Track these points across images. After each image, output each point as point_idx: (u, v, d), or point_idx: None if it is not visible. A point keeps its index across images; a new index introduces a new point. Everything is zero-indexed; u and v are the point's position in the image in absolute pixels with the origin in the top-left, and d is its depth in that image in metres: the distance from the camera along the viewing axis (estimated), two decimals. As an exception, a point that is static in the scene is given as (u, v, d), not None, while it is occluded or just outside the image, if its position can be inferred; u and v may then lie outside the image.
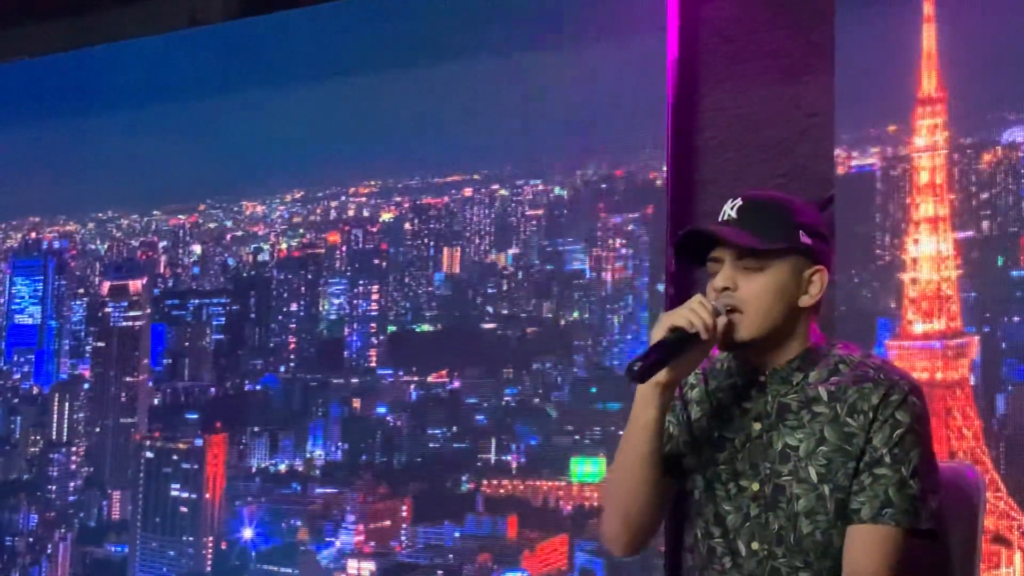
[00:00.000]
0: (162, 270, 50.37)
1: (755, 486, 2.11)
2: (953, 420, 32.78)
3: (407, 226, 50.39)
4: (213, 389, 46.14)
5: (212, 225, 53.03)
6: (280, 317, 47.53)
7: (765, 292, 2.10)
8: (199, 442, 41.34)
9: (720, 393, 2.20)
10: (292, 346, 47.17)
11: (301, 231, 52.23)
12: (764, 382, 2.14)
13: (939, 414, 31.67)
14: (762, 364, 2.14)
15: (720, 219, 2.15)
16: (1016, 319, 37.85)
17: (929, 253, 35.14)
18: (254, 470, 43.40)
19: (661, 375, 2.07)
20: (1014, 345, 37.20)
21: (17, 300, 47.63)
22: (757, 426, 2.12)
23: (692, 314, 2.05)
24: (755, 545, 2.10)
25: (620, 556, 2.29)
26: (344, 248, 50.01)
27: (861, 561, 2.04)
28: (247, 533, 40.75)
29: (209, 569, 40.50)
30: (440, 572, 38.20)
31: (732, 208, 2.13)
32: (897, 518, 2.02)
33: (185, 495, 40.54)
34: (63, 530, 41.46)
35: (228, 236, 52.29)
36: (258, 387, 46.20)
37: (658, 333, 2.07)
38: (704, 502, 2.15)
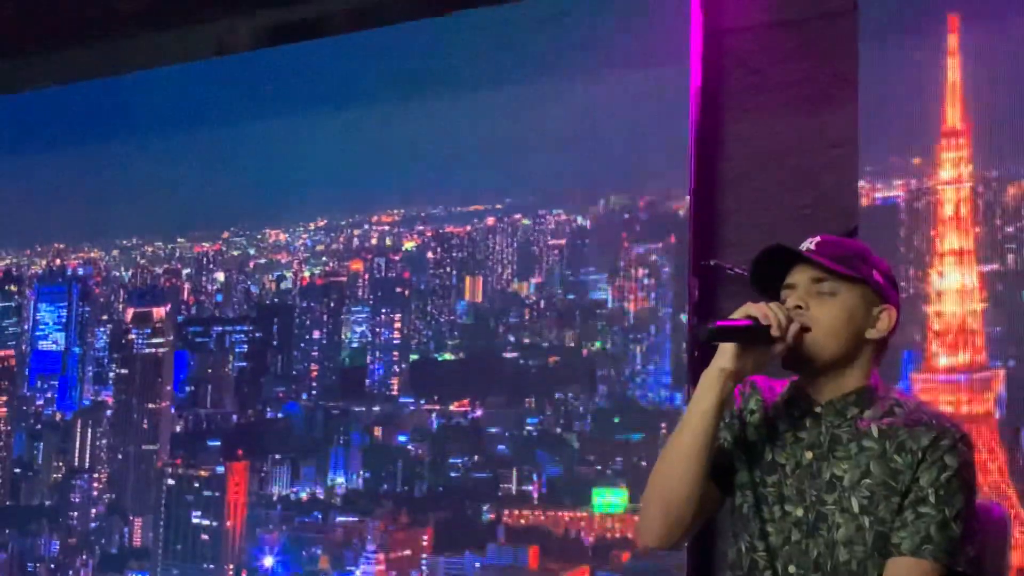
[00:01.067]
0: (186, 297, 50.60)
1: (799, 511, 2.17)
2: (978, 454, 32.40)
3: (430, 255, 50.51)
4: (235, 416, 46.23)
5: (236, 253, 53.28)
6: (302, 345, 47.65)
7: (836, 315, 2.19)
8: (220, 469, 41.41)
9: (778, 421, 2.26)
10: (314, 374, 47.26)
11: (324, 259, 52.40)
12: (820, 413, 2.19)
13: (964, 448, 31.43)
14: (820, 394, 2.20)
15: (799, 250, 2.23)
16: (1041, 353, 37.62)
17: (954, 286, 35.01)
18: (275, 498, 43.39)
19: (726, 361, 2.14)
20: (1039, 379, 36.97)
21: (41, 327, 47.90)
22: (809, 455, 2.19)
23: (769, 310, 2.12)
24: (792, 569, 2.16)
25: (652, 547, 2.32)
26: (367, 276, 50.15)
27: (898, 591, 2.08)
28: (268, 561, 40.73)
29: (229, 597, 40.50)
30: (460, 602, 38.11)
31: (811, 243, 2.23)
32: (936, 554, 2.06)
33: (206, 522, 40.58)
34: (84, 556, 41.54)
35: (251, 264, 52.53)
36: (280, 415, 46.28)
37: (736, 316, 2.14)
38: (751, 519, 2.21)
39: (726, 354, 2.15)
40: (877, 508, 2.10)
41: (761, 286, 2.28)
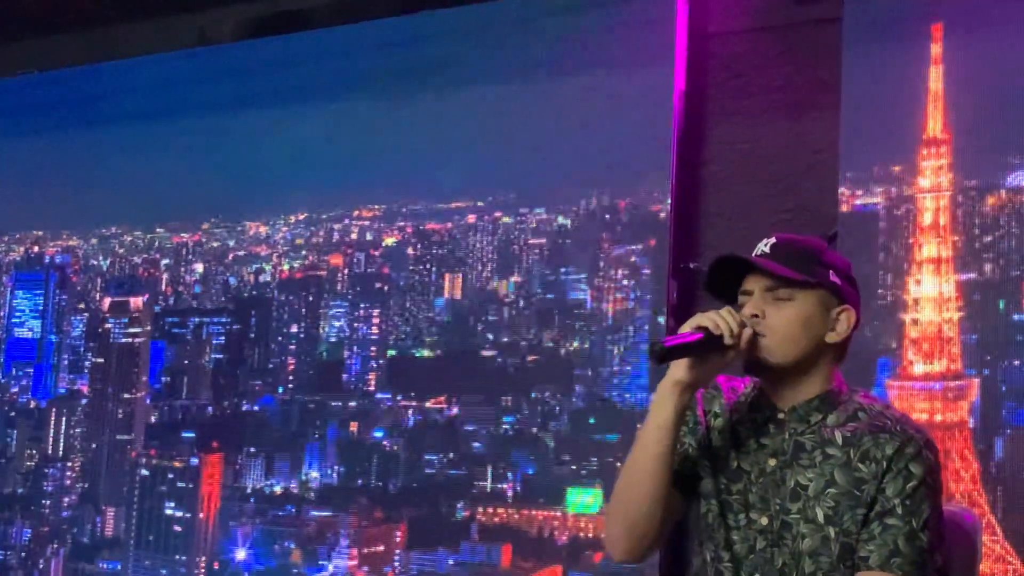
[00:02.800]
0: (163, 288, 50.40)
1: (764, 520, 2.14)
2: (951, 462, 32.70)
3: (410, 251, 50.46)
4: (211, 408, 46.08)
5: (215, 244, 53.09)
6: (280, 338, 47.52)
7: (793, 321, 2.16)
8: (195, 461, 41.26)
9: (742, 426, 2.24)
10: (291, 367, 47.14)
11: (303, 252, 52.27)
12: (783, 419, 2.17)
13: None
14: (783, 399, 2.18)
15: (754, 254, 2.19)
16: (1016, 363, 37.80)
17: (931, 294, 35.15)
18: (249, 490, 43.27)
19: (681, 373, 2.11)
20: (1014, 389, 37.14)
21: (17, 313, 47.65)
22: (772, 462, 2.16)
23: (719, 318, 2.10)
24: None
25: (619, 561, 2.32)
26: (346, 271, 50.07)
27: (867, 607, 2.06)
28: (240, 554, 40.62)
29: (201, 589, 40.37)
30: (433, 599, 38.08)
31: (766, 245, 2.20)
32: (905, 568, 2.04)
33: (179, 514, 40.44)
34: (56, 545, 41.33)
35: (230, 255, 52.35)
36: (256, 408, 46.14)
37: (685, 328, 2.11)
38: (716, 527, 2.19)
39: (680, 366, 2.12)
40: (842, 519, 2.08)
41: (717, 292, 2.26)
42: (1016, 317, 39.05)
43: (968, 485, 32.52)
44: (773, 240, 2.20)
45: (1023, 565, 32.01)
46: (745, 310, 2.17)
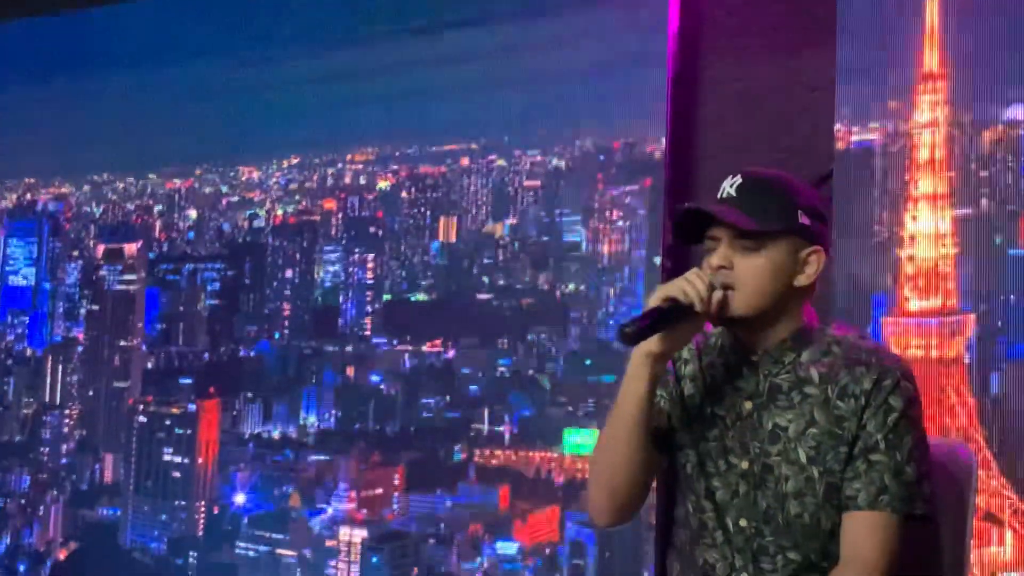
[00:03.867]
0: (157, 234, 50.35)
1: (744, 464, 2.13)
2: (947, 398, 32.80)
3: (404, 194, 50.33)
4: (207, 354, 46.19)
5: (208, 190, 52.97)
6: (275, 284, 47.57)
7: (761, 272, 2.12)
8: (192, 407, 41.42)
9: (713, 370, 2.21)
10: (287, 313, 47.23)
11: (297, 198, 52.16)
12: (756, 362, 2.15)
13: (933, 392, 31.67)
14: (755, 343, 2.16)
15: (719, 196, 2.16)
16: (1012, 298, 37.82)
17: (927, 230, 35.07)
18: (247, 436, 43.48)
19: (653, 345, 2.09)
20: (1010, 324, 37.24)
21: (11, 261, 47.62)
22: (748, 405, 2.14)
23: (688, 285, 2.08)
24: (743, 522, 2.12)
25: (603, 526, 2.33)
26: (340, 215, 49.99)
27: (859, 547, 2.05)
28: (239, 498, 40.89)
29: (201, 533, 40.67)
30: (432, 540, 38.36)
31: (731, 186, 2.16)
32: (894, 504, 2.04)
33: (178, 460, 40.66)
34: (55, 492, 41.58)
35: (224, 201, 52.25)
36: (252, 353, 46.27)
37: (653, 302, 2.09)
38: (696, 477, 2.17)
39: (652, 338, 2.10)
40: (825, 458, 2.07)
41: (686, 240, 2.23)
42: (1012, 252, 39.02)
43: (963, 420, 32.65)
44: (739, 180, 2.15)
45: (1019, 500, 32.25)
46: (712, 260, 2.14)
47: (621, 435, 2.14)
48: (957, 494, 2.29)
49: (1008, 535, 32.96)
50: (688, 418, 2.19)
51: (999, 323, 37.95)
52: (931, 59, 35.70)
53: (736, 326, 2.14)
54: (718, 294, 2.07)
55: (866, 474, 2.03)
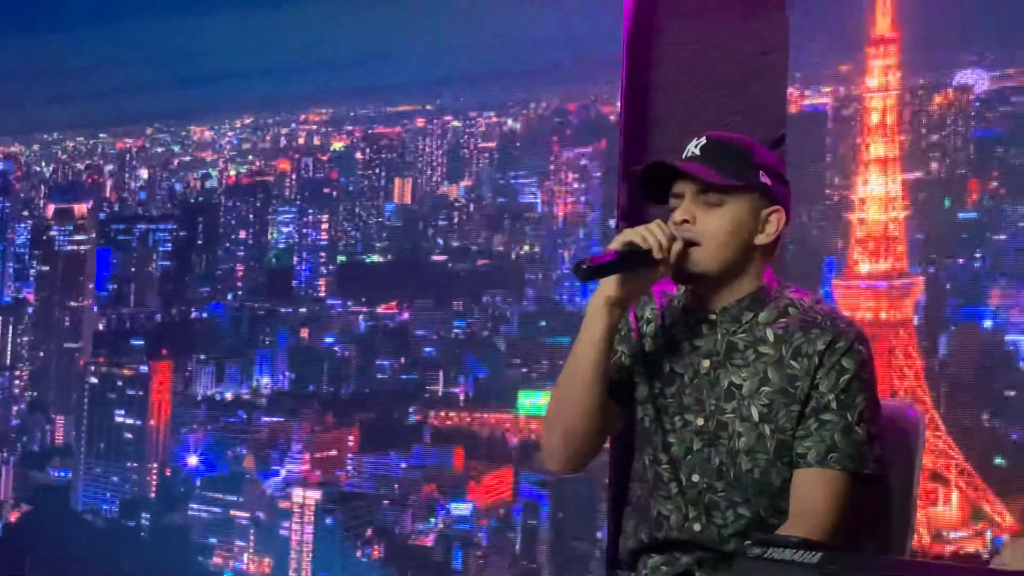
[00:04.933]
0: (108, 194, 49.78)
1: (699, 421, 2.14)
2: (896, 359, 33.24)
3: (358, 155, 50.06)
4: (159, 315, 45.85)
5: (159, 150, 52.41)
6: (228, 245, 47.20)
7: (723, 227, 2.12)
8: (144, 368, 41.14)
9: (674, 328, 2.22)
10: (240, 274, 46.91)
11: (250, 158, 51.72)
12: (715, 320, 2.16)
13: (882, 353, 32.05)
14: (714, 301, 2.16)
15: (684, 156, 2.17)
16: (961, 261, 38.32)
17: (878, 194, 35.42)
18: (200, 398, 43.26)
19: (611, 289, 2.09)
20: (958, 286, 37.71)
21: (-41, 221, 46.96)
22: (706, 363, 2.15)
23: (648, 233, 2.08)
24: (696, 477, 2.13)
25: (556, 472, 2.33)
26: (294, 176, 49.64)
27: (808, 503, 2.08)
28: (192, 460, 40.74)
29: (153, 495, 40.51)
30: (386, 502, 38.45)
31: (696, 146, 2.16)
32: (843, 463, 2.05)
33: (130, 421, 40.42)
34: (5, 454, 41.26)
35: (176, 161, 51.72)
36: (205, 314, 45.96)
37: (613, 245, 2.09)
38: (653, 431, 2.18)
39: (610, 283, 2.10)
40: (777, 416, 2.08)
41: (650, 196, 2.24)
42: (961, 215, 39.48)
43: (912, 382, 33.10)
44: (704, 140, 2.16)
45: (964, 459, 32.76)
46: (675, 215, 2.15)
47: (577, 380, 2.15)
48: (905, 455, 2.31)
49: (954, 496, 33.42)
50: (648, 374, 2.20)
51: (947, 286, 38.38)
52: (883, 23, 35.84)
53: (697, 283, 2.16)
54: (678, 244, 2.08)
55: (817, 432, 2.05)
